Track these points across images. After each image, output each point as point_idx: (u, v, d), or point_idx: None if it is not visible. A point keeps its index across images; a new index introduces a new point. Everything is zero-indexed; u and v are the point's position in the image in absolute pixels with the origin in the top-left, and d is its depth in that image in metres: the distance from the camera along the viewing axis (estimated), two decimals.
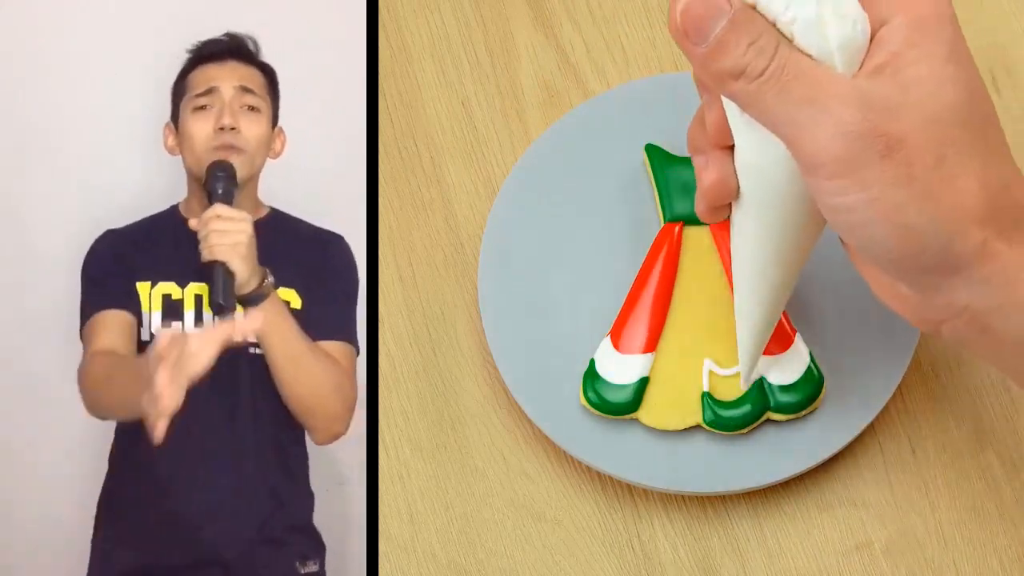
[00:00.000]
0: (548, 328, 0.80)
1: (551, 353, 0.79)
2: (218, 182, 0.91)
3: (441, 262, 0.84)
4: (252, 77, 0.96)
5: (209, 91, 0.94)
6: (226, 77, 0.95)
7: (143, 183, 1.05)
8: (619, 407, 0.77)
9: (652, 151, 0.82)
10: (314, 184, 1.01)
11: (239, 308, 0.89)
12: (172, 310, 0.93)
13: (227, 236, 0.88)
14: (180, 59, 0.96)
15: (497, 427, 0.80)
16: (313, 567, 0.93)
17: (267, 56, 0.97)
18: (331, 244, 0.96)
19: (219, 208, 0.89)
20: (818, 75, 0.57)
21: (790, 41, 0.57)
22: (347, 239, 0.95)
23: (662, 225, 0.81)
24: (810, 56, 0.57)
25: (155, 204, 0.98)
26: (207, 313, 0.92)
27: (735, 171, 0.65)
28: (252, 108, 0.94)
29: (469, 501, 0.79)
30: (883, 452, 0.79)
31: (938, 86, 0.57)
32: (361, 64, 0.90)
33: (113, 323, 0.93)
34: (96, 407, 0.90)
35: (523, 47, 0.88)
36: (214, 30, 0.97)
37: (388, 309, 0.83)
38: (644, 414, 0.77)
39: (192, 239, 0.90)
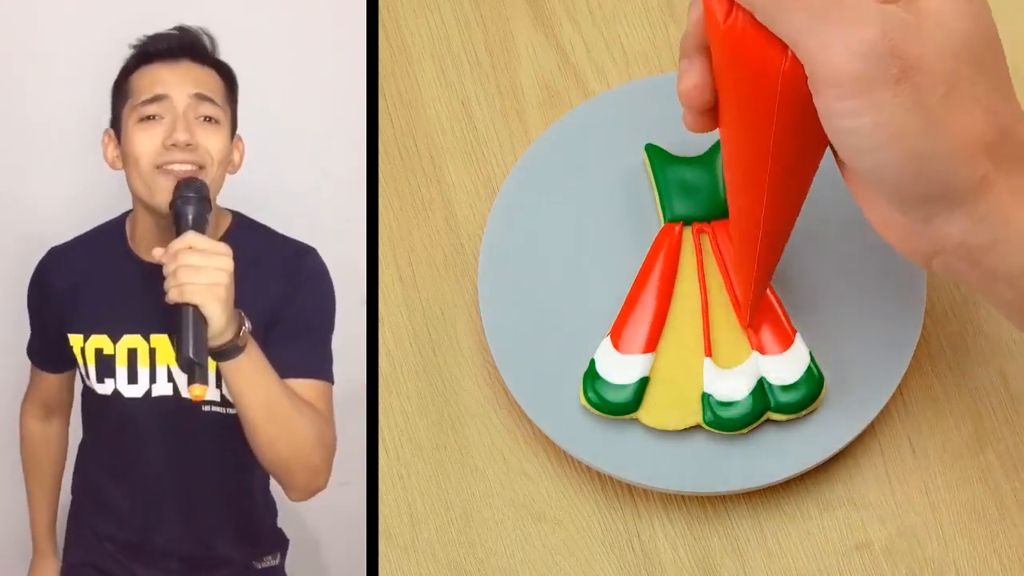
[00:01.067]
0: (548, 328, 0.80)
1: (551, 353, 0.79)
2: (188, 204, 0.77)
3: (441, 262, 0.84)
4: (209, 81, 0.82)
5: (157, 98, 0.80)
6: (180, 82, 0.81)
7: (82, 198, 0.93)
8: (619, 407, 0.77)
9: (652, 151, 0.82)
10: (314, 184, 1.01)
11: (210, 364, 0.75)
12: (105, 366, 0.84)
13: (202, 274, 0.73)
14: (122, 55, 0.83)
15: (497, 427, 0.80)
16: (272, 561, 0.90)
17: (253, 55, 0.88)
18: (304, 259, 0.85)
19: (192, 238, 0.74)
20: None
21: None
22: (322, 250, 0.85)
23: (662, 225, 0.81)
24: None
25: (100, 218, 0.88)
26: (142, 369, 0.83)
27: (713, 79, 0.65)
28: (210, 119, 0.81)
29: (469, 501, 0.79)
30: (883, 452, 0.79)
31: (953, 18, 0.57)
32: (361, 64, 0.90)
33: (47, 383, 0.93)
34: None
35: (523, 47, 0.88)
36: (163, 22, 0.85)
37: (388, 309, 0.83)
38: (644, 414, 0.77)
39: (136, 272, 0.80)
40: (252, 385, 0.77)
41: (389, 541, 0.79)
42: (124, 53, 0.83)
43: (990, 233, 0.59)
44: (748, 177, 0.67)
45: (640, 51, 0.87)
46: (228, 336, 0.74)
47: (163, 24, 0.83)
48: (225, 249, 0.74)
